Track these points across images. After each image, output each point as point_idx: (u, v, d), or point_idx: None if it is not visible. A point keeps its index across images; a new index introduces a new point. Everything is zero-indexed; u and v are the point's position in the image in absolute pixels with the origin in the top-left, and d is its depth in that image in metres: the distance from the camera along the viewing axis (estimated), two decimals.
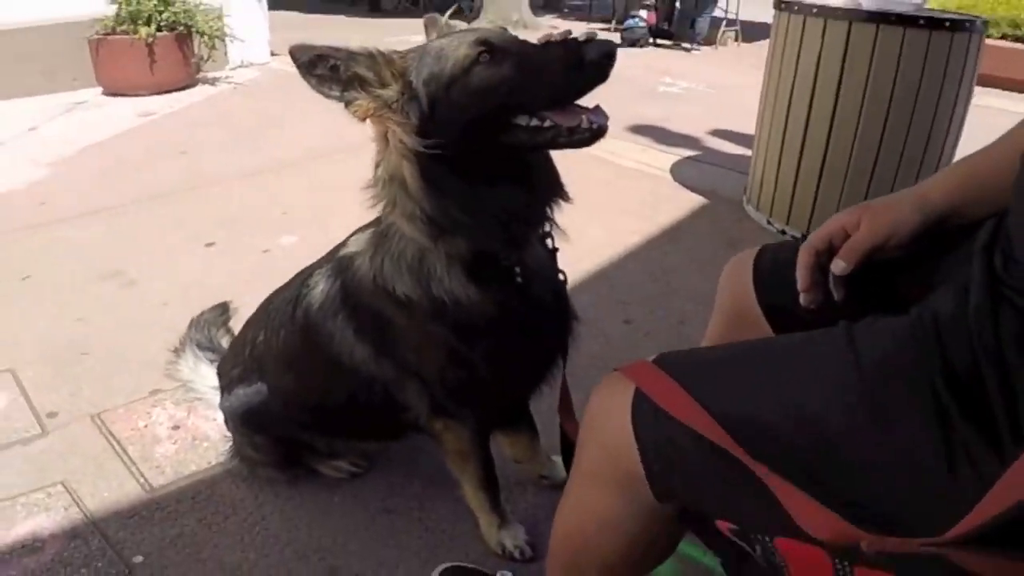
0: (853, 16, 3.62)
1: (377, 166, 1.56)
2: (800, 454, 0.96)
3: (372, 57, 1.46)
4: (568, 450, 1.75)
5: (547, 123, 1.41)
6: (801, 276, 1.27)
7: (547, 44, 1.46)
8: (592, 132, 1.41)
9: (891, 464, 0.93)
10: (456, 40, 1.46)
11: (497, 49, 1.41)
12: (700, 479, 1.07)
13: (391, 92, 1.46)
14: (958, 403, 0.90)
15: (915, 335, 0.98)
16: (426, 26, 1.71)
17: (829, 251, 1.27)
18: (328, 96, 1.45)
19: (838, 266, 1.24)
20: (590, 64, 1.35)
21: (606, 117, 1.43)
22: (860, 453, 0.94)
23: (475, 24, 13.50)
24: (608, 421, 1.14)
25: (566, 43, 1.41)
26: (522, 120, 1.42)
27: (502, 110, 1.42)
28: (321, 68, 1.42)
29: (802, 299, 1.28)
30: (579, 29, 1.65)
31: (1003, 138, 1.26)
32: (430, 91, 1.44)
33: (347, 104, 1.46)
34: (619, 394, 1.12)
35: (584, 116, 1.41)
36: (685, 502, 1.13)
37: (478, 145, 1.45)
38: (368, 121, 1.50)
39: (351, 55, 1.44)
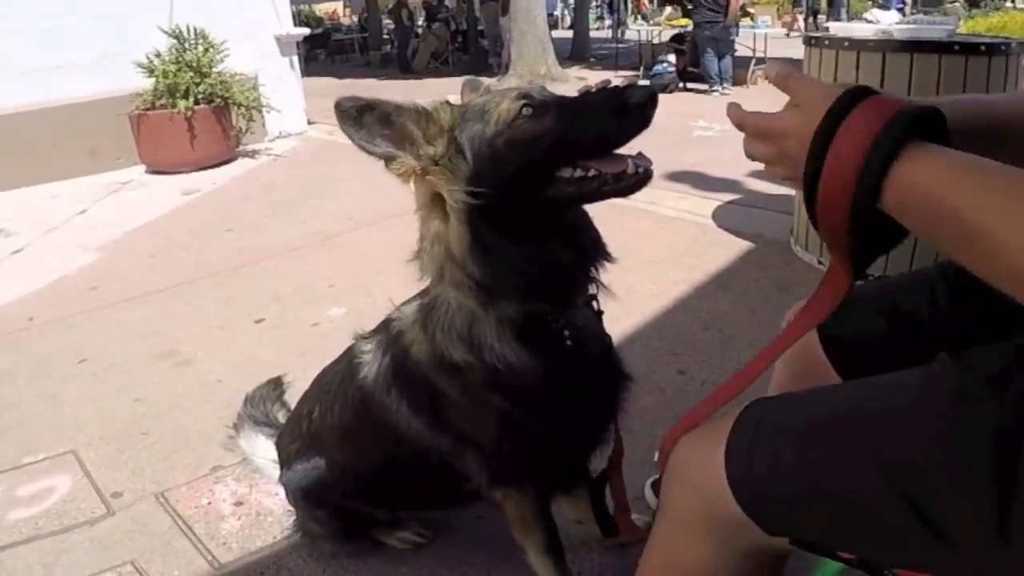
0: (886, 47, 3.58)
1: (422, 238, 1.54)
2: None
3: (419, 112, 1.45)
4: (598, 505, 1.86)
5: (591, 172, 1.39)
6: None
7: (587, 94, 1.44)
8: (639, 177, 1.39)
9: None
10: (498, 96, 1.46)
11: (538, 102, 1.42)
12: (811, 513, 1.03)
13: (437, 148, 1.45)
14: None
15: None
16: (463, 89, 1.71)
17: None
18: (371, 151, 1.42)
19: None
20: (633, 107, 1.33)
21: (650, 162, 1.40)
22: None
23: (504, 80, 13.72)
24: (700, 469, 1.11)
25: (606, 90, 1.40)
26: (566, 172, 1.40)
27: (547, 161, 1.40)
28: (368, 119, 1.40)
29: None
30: (607, 78, 1.63)
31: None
32: (475, 147, 1.42)
33: (388, 161, 1.44)
34: (709, 442, 1.10)
35: (629, 160, 1.39)
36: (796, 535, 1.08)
37: (524, 200, 1.43)
38: (411, 182, 1.47)
39: (399, 107, 1.43)
